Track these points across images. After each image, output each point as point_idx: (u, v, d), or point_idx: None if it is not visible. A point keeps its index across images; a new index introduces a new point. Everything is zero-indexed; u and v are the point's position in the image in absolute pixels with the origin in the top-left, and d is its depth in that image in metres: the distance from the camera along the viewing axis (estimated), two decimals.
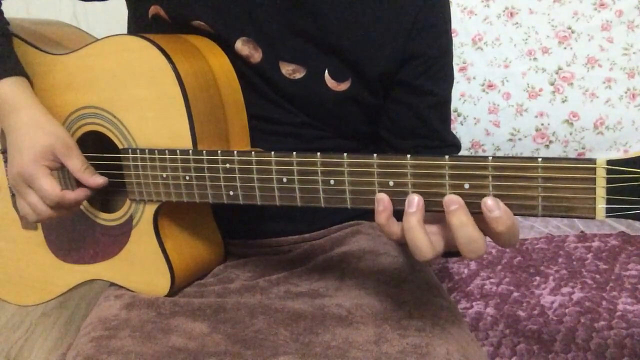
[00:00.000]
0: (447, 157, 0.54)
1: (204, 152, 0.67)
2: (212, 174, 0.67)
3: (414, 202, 0.55)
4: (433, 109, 0.81)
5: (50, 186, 0.71)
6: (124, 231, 0.77)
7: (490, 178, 0.53)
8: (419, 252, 0.55)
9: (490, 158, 0.52)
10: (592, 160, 0.49)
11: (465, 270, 1.42)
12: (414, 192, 0.56)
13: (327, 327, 0.71)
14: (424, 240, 0.54)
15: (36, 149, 0.71)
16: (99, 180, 0.73)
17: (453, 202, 0.53)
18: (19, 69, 0.76)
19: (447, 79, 0.83)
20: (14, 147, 0.73)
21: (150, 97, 0.70)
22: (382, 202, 0.56)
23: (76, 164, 0.73)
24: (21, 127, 0.72)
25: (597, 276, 1.36)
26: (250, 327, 0.72)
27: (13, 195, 0.87)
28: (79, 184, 0.74)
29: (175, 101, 0.68)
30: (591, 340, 1.14)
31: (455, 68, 1.57)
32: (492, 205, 0.52)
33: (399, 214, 0.56)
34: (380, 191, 0.57)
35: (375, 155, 0.57)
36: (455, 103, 1.60)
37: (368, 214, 0.89)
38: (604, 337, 1.14)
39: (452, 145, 0.84)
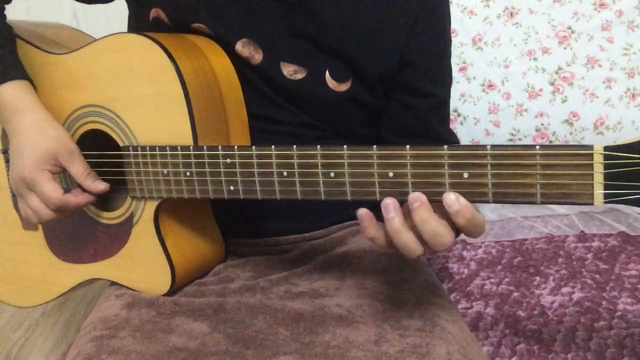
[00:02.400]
0: (445, 147, 0.54)
1: (205, 147, 0.67)
2: (213, 169, 0.67)
3: (390, 207, 0.56)
4: (433, 110, 0.81)
5: (53, 190, 0.71)
6: (124, 229, 0.77)
7: (489, 167, 0.53)
8: (409, 250, 0.56)
9: (489, 147, 0.53)
10: (590, 147, 0.50)
11: (465, 270, 1.42)
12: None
13: (327, 327, 0.71)
14: (411, 240, 0.55)
15: (38, 153, 0.71)
16: (100, 186, 0.74)
17: (415, 200, 0.54)
18: (23, 72, 0.76)
19: (447, 80, 0.83)
20: (16, 151, 0.73)
21: (151, 94, 0.70)
22: (367, 216, 0.57)
23: (78, 169, 0.73)
24: (23, 131, 0.72)
25: (597, 276, 1.36)
26: (251, 326, 0.72)
27: (13, 196, 0.87)
28: (81, 187, 0.74)
29: (176, 99, 0.68)
30: (591, 340, 1.14)
31: (455, 68, 1.58)
32: (452, 200, 0.53)
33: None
34: (380, 182, 0.57)
35: (374, 146, 0.57)
36: (455, 103, 1.60)
37: None
38: (604, 337, 1.14)
39: (450, 143, 0.85)
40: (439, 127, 0.83)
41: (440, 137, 0.83)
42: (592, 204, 0.50)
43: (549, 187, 0.51)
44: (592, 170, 0.50)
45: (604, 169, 0.49)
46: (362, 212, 0.57)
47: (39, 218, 0.74)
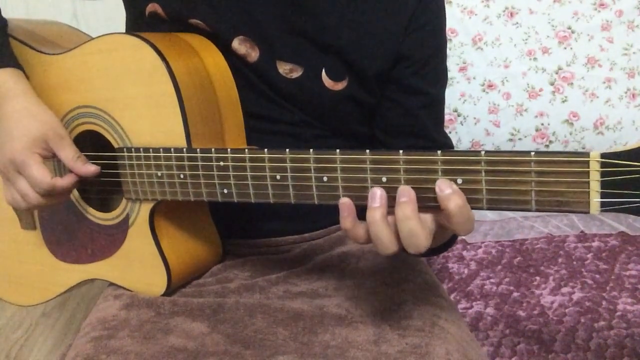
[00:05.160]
0: (439, 152, 0.53)
1: (198, 150, 0.66)
2: (206, 172, 0.66)
3: (377, 197, 0.55)
4: (425, 109, 0.81)
5: (41, 174, 0.70)
6: (120, 230, 0.77)
7: (483, 173, 0.52)
8: (383, 245, 0.55)
9: (483, 153, 0.52)
10: (586, 154, 0.48)
11: (465, 270, 1.42)
12: (373, 186, 0.56)
13: (326, 327, 0.70)
14: (387, 234, 0.54)
15: (29, 137, 0.70)
16: (90, 168, 0.73)
17: (404, 195, 0.53)
18: (14, 61, 0.75)
19: (440, 79, 0.82)
20: (5, 134, 0.72)
21: (144, 95, 0.70)
22: (346, 206, 0.56)
23: (68, 153, 0.72)
24: (13, 114, 0.72)
25: (597, 276, 1.36)
26: (250, 326, 0.72)
27: None
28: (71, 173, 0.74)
29: (169, 100, 0.68)
30: (591, 340, 1.14)
31: (455, 68, 1.58)
32: (444, 184, 0.52)
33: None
34: (373, 187, 0.56)
35: (367, 151, 0.56)
36: (455, 103, 1.60)
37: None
38: (604, 337, 1.14)
39: (443, 146, 0.83)
40: (431, 127, 0.82)
41: (431, 137, 0.82)
42: (588, 212, 0.49)
43: (544, 194, 0.50)
44: (588, 178, 0.49)
45: (601, 177, 0.48)
46: (345, 201, 0.56)
47: (27, 202, 0.73)
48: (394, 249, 0.55)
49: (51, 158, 0.73)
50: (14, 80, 0.74)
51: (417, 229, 0.53)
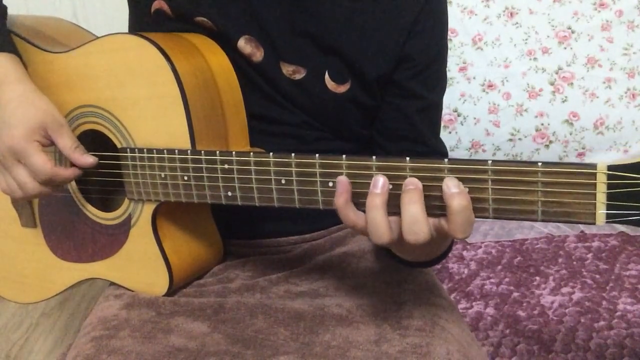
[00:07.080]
0: (446, 160, 0.53)
1: (202, 152, 0.66)
2: (211, 174, 0.66)
3: (379, 184, 0.54)
4: (421, 113, 0.80)
5: (43, 162, 0.69)
6: (122, 230, 0.77)
7: (489, 182, 0.52)
8: (378, 232, 0.54)
9: (490, 162, 0.52)
10: (593, 166, 0.48)
11: (465, 270, 1.42)
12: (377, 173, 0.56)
13: (327, 327, 0.71)
14: (384, 222, 0.54)
15: (28, 124, 0.69)
16: (89, 159, 0.72)
17: (412, 183, 0.54)
18: (11, 47, 0.74)
19: (439, 85, 0.82)
20: (2, 122, 0.71)
21: (148, 96, 0.70)
22: (342, 184, 0.56)
23: (67, 142, 0.71)
24: (11, 101, 0.71)
25: (597, 276, 1.36)
26: (250, 326, 0.72)
27: None
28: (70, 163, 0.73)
29: (174, 100, 0.68)
30: (591, 340, 1.14)
31: (455, 68, 1.58)
32: (452, 183, 0.52)
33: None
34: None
35: (374, 157, 0.56)
36: (455, 103, 1.60)
37: None
38: (604, 337, 1.15)
39: (437, 152, 0.83)
40: (426, 131, 0.81)
41: (426, 142, 0.81)
42: (594, 223, 0.50)
43: (550, 205, 0.51)
44: (595, 189, 0.49)
45: (607, 189, 0.48)
46: (342, 178, 0.56)
47: (25, 191, 0.72)
48: (387, 237, 0.54)
49: (50, 147, 0.73)
50: (10, 66, 0.73)
51: (421, 216, 0.53)
